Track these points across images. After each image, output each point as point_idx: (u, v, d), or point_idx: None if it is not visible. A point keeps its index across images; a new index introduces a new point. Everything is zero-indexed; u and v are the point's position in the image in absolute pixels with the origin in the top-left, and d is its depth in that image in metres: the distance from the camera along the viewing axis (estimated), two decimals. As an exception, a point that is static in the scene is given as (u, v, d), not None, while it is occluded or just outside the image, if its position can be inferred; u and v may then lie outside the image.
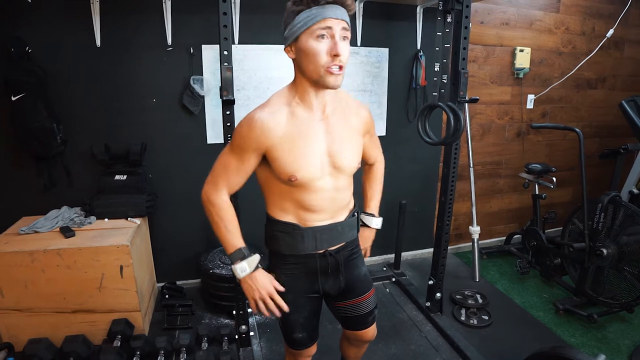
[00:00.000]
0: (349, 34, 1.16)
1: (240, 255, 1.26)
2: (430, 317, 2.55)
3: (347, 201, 1.37)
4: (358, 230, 1.46)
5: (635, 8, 3.45)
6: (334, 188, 1.29)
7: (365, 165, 1.59)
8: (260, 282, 1.26)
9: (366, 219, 1.56)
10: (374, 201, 1.59)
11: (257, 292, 1.26)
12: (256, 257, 1.27)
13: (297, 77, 1.23)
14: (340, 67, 1.14)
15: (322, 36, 1.11)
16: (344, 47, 1.13)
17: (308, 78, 1.18)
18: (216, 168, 1.30)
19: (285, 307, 1.28)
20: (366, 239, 1.57)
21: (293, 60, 1.22)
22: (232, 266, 1.27)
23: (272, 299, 1.27)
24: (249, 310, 2.29)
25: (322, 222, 1.31)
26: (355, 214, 1.43)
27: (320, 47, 1.11)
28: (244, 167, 1.25)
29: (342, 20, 1.12)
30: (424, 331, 2.48)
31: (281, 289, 1.29)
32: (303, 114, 1.22)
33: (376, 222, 1.58)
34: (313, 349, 1.55)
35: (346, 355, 1.83)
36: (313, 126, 1.23)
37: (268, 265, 1.41)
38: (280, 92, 1.27)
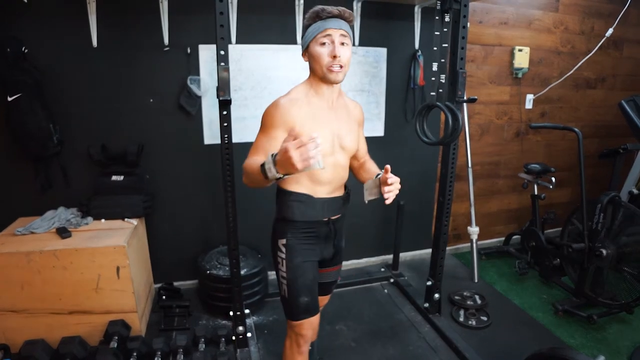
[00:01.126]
0: (348, 40, 1.45)
1: (264, 167, 1.22)
2: (428, 318, 2.54)
3: (345, 179, 1.64)
4: (348, 203, 1.70)
5: (635, 7, 3.44)
6: (339, 164, 1.56)
7: (355, 163, 1.74)
8: (282, 154, 1.13)
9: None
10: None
11: (291, 156, 1.10)
12: (269, 157, 1.21)
13: (311, 75, 1.52)
14: (341, 66, 1.43)
15: (325, 43, 1.42)
16: (342, 50, 1.42)
17: (317, 76, 1.48)
18: (251, 149, 1.47)
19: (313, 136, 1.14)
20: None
21: (308, 63, 1.50)
22: (269, 176, 1.21)
23: (301, 146, 1.11)
24: (246, 311, 2.28)
25: (328, 194, 1.57)
26: (349, 190, 1.69)
27: (323, 51, 1.42)
28: (272, 142, 1.42)
29: (340, 29, 1.42)
30: (422, 332, 2.47)
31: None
32: (317, 102, 1.50)
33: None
34: (316, 320, 1.66)
35: None
36: (326, 113, 1.52)
37: (278, 231, 1.60)
38: (298, 86, 1.54)
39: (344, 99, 1.61)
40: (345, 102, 1.62)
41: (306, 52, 1.49)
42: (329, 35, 1.41)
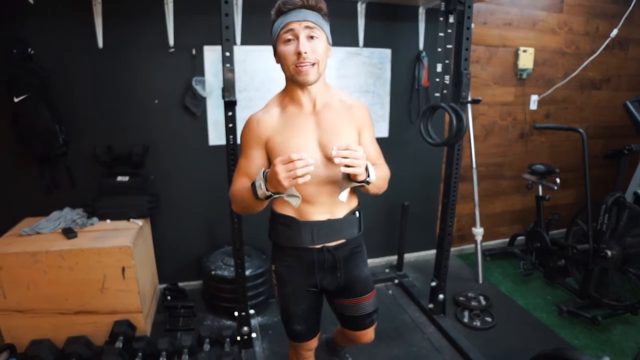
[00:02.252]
0: (317, 32, 1.25)
1: (254, 185, 1.19)
2: (433, 319, 2.54)
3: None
4: (360, 230, 1.48)
5: (640, 8, 3.43)
6: (329, 180, 1.32)
7: None
8: (270, 169, 1.12)
9: None
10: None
11: (278, 174, 1.08)
12: (260, 174, 1.18)
13: (285, 80, 1.36)
14: (313, 64, 1.24)
15: (289, 40, 1.24)
16: (308, 45, 1.23)
17: (288, 79, 1.32)
18: (235, 173, 1.39)
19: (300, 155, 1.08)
20: None
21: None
22: (258, 194, 1.17)
23: (291, 165, 1.08)
24: (251, 312, 2.29)
25: (320, 217, 1.36)
26: (357, 212, 1.45)
27: (288, 49, 1.24)
28: (251, 163, 1.33)
29: (305, 20, 1.23)
30: (426, 333, 2.46)
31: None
32: (293, 110, 1.34)
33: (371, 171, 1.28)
34: (313, 343, 1.59)
35: (338, 343, 1.90)
36: (303, 119, 1.33)
37: (272, 255, 1.50)
38: (275, 96, 1.41)
39: (334, 101, 1.38)
40: (335, 103, 1.38)
41: (275, 54, 1.31)
42: (291, 30, 1.22)
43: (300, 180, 1.08)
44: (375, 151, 1.47)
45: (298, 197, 1.20)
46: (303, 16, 1.22)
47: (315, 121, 1.33)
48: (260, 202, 1.22)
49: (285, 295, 1.46)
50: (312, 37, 1.24)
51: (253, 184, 1.19)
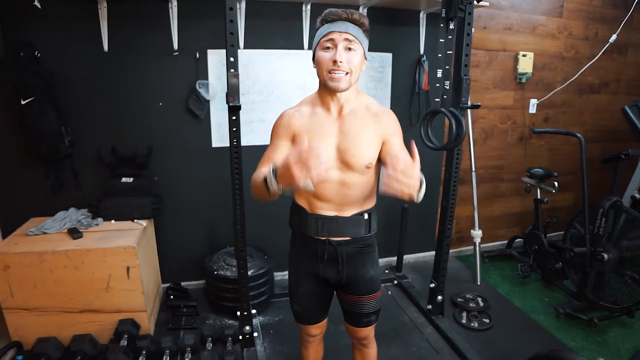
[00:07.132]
0: (355, 45, 1.33)
1: (266, 180, 1.20)
2: (431, 320, 2.58)
3: (357, 199, 1.45)
4: (370, 231, 1.51)
5: (639, 13, 3.45)
6: (341, 182, 1.41)
7: None
8: (284, 168, 1.11)
9: None
10: None
11: (292, 169, 1.06)
12: (270, 170, 1.20)
13: (319, 84, 1.43)
14: (347, 73, 1.32)
15: (328, 47, 1.33)
16: (344, 55, 1.31)
17: (321, 83, 1.39)
18: (261, 160, 1.44)
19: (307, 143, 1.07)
20: None
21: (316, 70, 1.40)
22: (270, 190, 1.20)
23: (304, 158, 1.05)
24: (253, 311, 2.32)
25: (327, 212, 1.45)
26: (367, 214, 1.48)
27: (325, 56, 1.33)
28: (277, 151, 1.41)
29: (346, 32, 1.31)
30: (425, 334, 2.50)
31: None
32: (321, 113, 1.42)
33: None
34: (315, 329, 1.69)
35: None
36: (328, 124, 1.41)
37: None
38: (309, 96, 1.50)
39: (361, 108, 1.42)
40: (364, 112, 1.42)
41: (314, 59, 1.39)
42: (331, 39, 1.31)
43: (314, 174, 1.04)
44: (405, 156, 1.40)
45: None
46: (345, 28, 1.31)
47: (339, 127, 1.41)
48: (272, 194, 1.24)
49: (291, 274, 1.62)
50: (349, 49, 1.32)
51: (265, 179, 1.20)
